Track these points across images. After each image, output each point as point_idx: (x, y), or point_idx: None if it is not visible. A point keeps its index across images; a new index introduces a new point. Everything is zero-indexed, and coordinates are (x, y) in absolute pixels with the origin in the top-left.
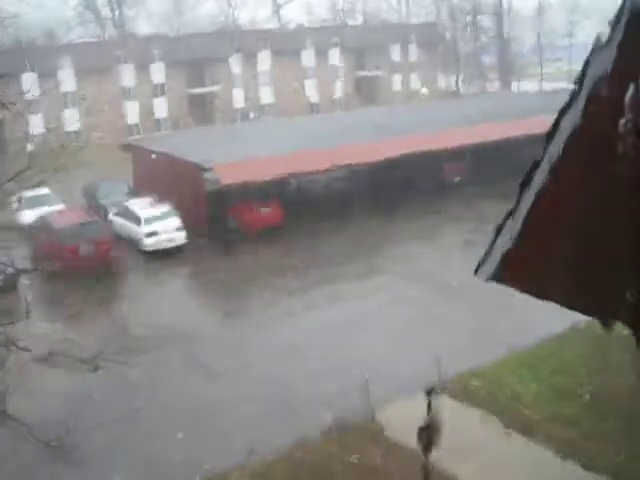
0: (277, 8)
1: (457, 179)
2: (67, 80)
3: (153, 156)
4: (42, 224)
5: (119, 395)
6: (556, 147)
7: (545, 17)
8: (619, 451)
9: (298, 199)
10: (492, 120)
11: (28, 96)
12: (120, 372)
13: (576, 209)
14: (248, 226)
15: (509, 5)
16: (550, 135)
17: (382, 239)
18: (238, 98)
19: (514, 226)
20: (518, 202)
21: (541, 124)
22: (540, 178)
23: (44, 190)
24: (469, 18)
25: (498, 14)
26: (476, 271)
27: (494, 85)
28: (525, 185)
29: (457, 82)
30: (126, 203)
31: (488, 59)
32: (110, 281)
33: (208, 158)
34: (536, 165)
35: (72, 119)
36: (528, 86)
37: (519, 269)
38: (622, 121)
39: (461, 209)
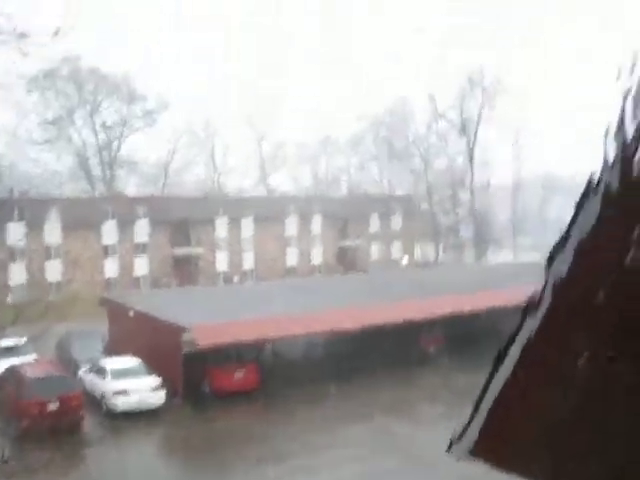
0: (263, 176)
1: (434, 349)
2: (52, 233)
3: (131, 313)
4: (11, 375)
5: None
6: (534, 321)
7: (521, 192)
8: None
9: (274, 363)
10: (467, 290)
11: (12, 245)
12: None
13: (550, 392)
14: (224, 389)
15: (486, 180)
16: (528, 307)
17: (355, 408)
18: (221, 261)
19: (487, 403)
20: (491, 378)
21: (518, 295)
22: (514, 355)
23: (19, 340)
24: (447, 192)
25: (473, 189)
26: (449, 448)
27: (470, 255)
28: (498, 362)
29: (437, 252)
30: (100, 360)
31: (464, 230)
32: (76, 441)
33: (187, 319)
34: (511, 340)
35: (54, 271)
36: (503, 257)
37: (494, 446)
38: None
39: (436, 381)
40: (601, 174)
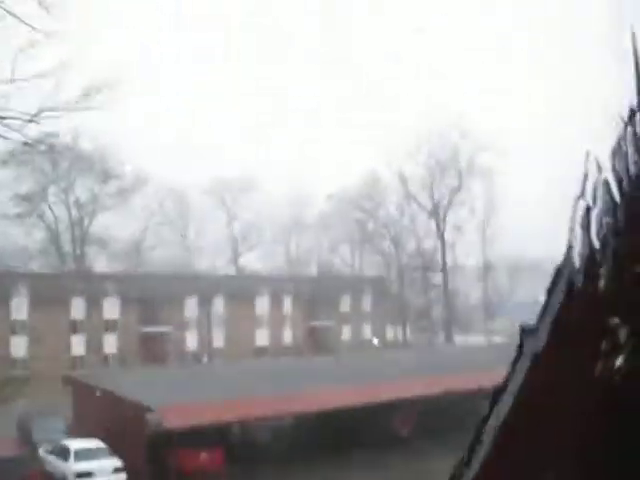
0: (235, 256)
1: (406, 430)
2: (19, 308)
3: (95, 392)
4: None
5: None
6: (505, 405)
7: (491, 273)
8: None
9: (242, 444)
10: (438, 372)
11: None
12: None
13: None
14: (189, 470)
15: (455, 262)
16: (496, 396)
17: None
18: (191, 340)
19: None
20: (468, 462)
21: (491, 378)
22: (487, 439)
23: None
24: (417, 274)
25: (445, 271)
26: None
27: (440, 337)
28: (472, 448)
29: (407, 333)
30: (62, 440)
31: (435, 312)
32: None
33: (152, 399)
34: (482, 426)
35: (19, 347)
36: (473, 339)
37: None
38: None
39: (409, 464)
40: (568, 277)
